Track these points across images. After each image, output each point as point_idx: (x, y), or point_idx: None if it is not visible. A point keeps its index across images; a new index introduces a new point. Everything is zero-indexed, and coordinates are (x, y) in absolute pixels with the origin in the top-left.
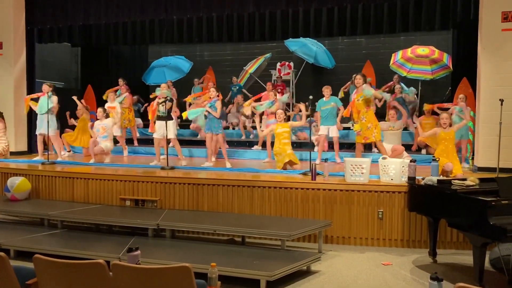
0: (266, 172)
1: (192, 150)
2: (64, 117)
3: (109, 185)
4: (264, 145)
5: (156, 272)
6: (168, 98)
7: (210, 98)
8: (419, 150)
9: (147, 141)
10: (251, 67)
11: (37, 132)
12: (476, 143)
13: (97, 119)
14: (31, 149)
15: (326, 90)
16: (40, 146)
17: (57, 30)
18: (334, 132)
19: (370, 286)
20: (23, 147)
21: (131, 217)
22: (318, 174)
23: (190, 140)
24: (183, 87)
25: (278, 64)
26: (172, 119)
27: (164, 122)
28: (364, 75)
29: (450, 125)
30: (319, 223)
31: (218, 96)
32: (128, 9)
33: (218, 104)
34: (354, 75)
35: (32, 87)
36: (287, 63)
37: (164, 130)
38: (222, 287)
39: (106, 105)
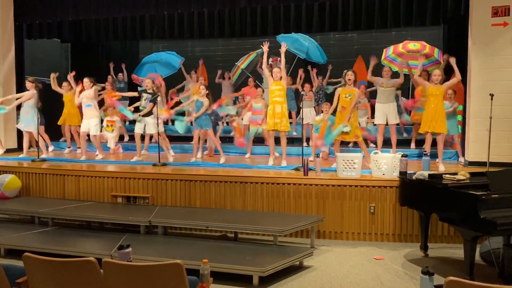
0: (259, 168)
1: (184, 146)
2: (48, 112)
3: (101, 182)
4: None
5: (148, 269)
6: (158, 94)
7: (200, 94)
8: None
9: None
10: (243, 63)
11: (20, 127)
12: (467, 137)
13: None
14: (21, 146)
15: (325, 107)
16: (26, 143)
17: (47, 25)
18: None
19: (362, 280)
20: (13, 144)
21: (122, 214)
22: (310, 169)
23: (185, 136)
24: (174, 82)
25: (270, 59)
26: (152, 114)
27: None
28: (355, 72)
29: (441, 83)
30: (312, 218)
31: (207, 94)
32: (119, 5)
33: (206, 101)
34: (346, 71)
35: (21, 84)
36: (279, 58)
37: (145, 125)
38: (215, 283)
39: (106, 119)
